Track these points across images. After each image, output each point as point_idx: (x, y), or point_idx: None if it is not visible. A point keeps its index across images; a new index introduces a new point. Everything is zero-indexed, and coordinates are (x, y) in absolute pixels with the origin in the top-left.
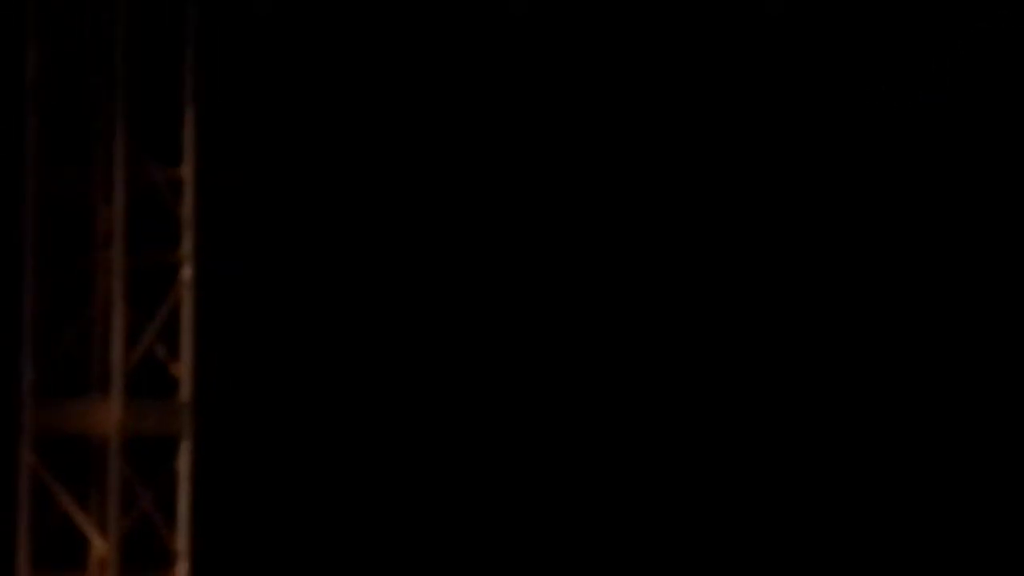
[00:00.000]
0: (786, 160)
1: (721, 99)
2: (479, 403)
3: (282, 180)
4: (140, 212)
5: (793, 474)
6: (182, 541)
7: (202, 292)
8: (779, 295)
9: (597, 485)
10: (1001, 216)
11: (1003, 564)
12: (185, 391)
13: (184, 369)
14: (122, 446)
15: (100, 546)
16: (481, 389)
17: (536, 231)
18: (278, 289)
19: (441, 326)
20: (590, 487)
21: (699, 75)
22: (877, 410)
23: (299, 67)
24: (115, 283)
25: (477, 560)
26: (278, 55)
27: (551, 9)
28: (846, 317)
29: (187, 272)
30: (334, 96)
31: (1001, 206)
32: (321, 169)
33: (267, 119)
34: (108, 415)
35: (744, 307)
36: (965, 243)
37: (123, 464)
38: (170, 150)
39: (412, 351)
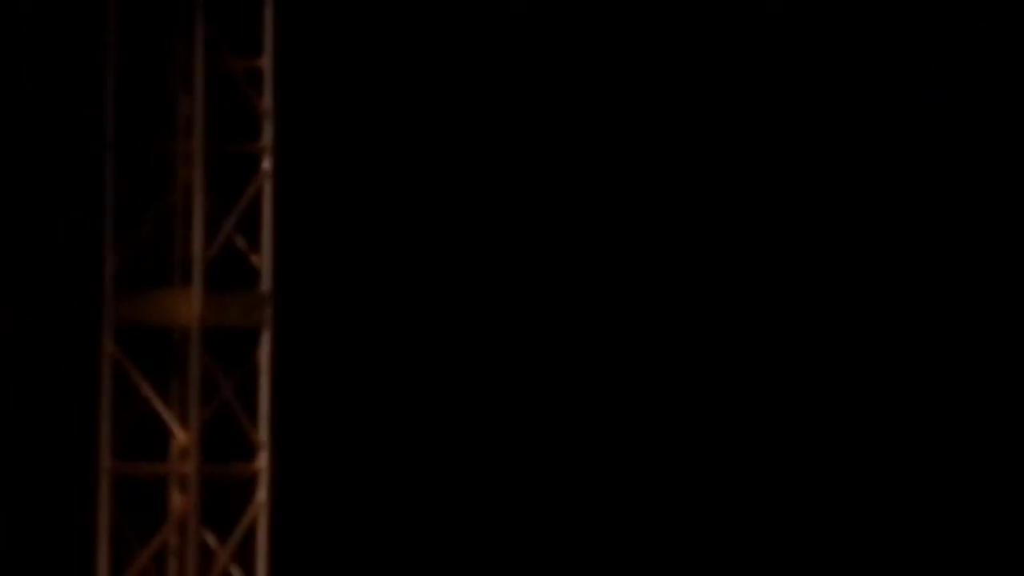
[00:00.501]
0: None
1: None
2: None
3: (363, 70)
4: (220, 102)
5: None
6: (263, 432)
7: (282, 183)
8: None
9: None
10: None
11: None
12: (265, 282)
13: (264, 260)
14: (202, 337)
15: (181, 437)
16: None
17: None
18: (358, 180)
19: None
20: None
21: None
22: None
23: None
24: (195, 173)
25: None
26: None
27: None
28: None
29: (267, 163)
30: None
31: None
32: (402, 59)
33: (348, 10)
34: (189, 306)
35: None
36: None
37: (204, 355)
38: (250, 41)
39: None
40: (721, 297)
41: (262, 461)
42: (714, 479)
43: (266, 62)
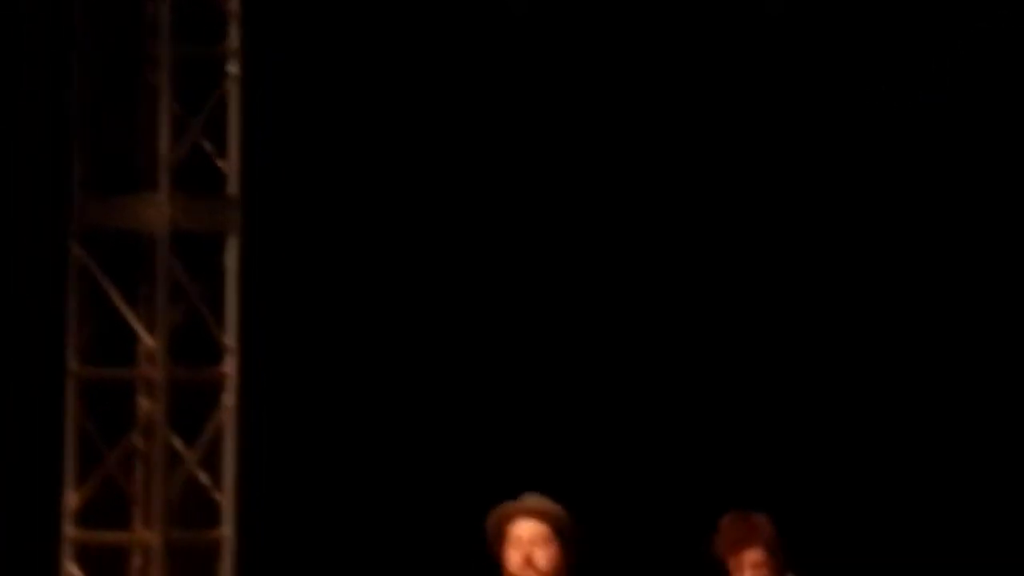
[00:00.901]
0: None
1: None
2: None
3: None
4: (187, 4)
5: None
6: (230, 337)
7: (249, 87)
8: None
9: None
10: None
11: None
12: (232, 186)
13: (231, 164)
14: (170, 241)
15: (148, 341)
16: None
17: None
18: (327, 82)
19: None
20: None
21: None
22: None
23: None
24: (161, 76)
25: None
26: None
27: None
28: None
29: (233, 66)
30: None
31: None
32: None
33: None
34: (156, 210)
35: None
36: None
37: (171, 259)
38: None
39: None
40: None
41: (229, 366)
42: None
43: None
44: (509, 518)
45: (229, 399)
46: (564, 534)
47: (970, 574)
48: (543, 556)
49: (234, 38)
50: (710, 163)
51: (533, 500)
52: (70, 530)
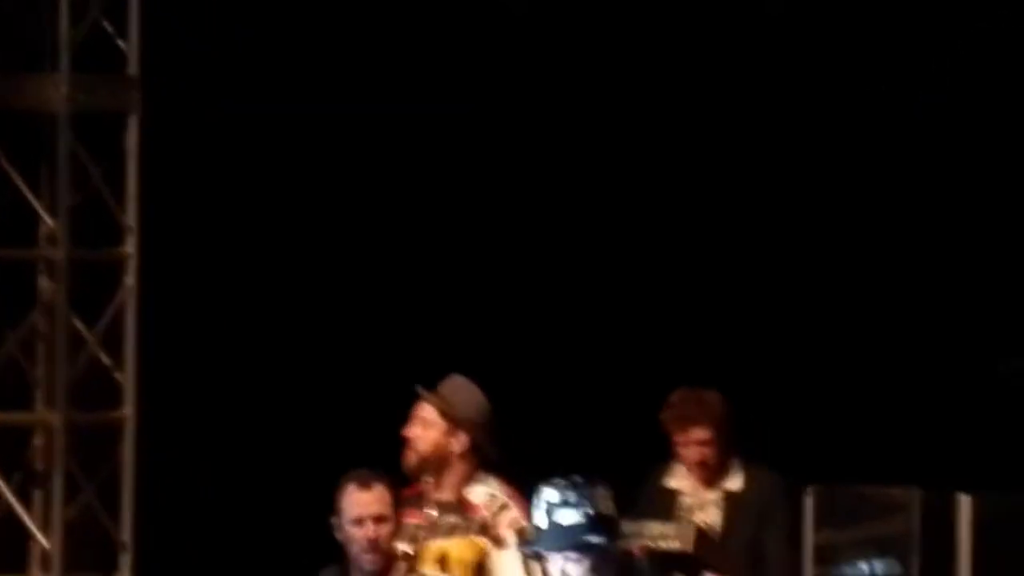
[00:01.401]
0: None
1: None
2: None
3: None
4: None
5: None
6: (131, 217)
7: None
8: None
9: None
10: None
11: None
12: (132, 66)
13: (132, 43)
14: (71, 121)
15: (49, 222)
16: None
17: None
18: None
19: None
20: None
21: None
22: None
23: None
24: None
25: None
26: None
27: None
28: None
29: None
30: None
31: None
32: None
33: None
34: (57, 90)
35: None
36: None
37: (72, 140)
38: None
39: None
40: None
41: (130, 246)
42: None
43: None
44: (418, 399)
45: (130, 280)
46: (455, 419)
47: (917, 459)
48: (423, 438)
49: None
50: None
51: (447, 384)
52: None
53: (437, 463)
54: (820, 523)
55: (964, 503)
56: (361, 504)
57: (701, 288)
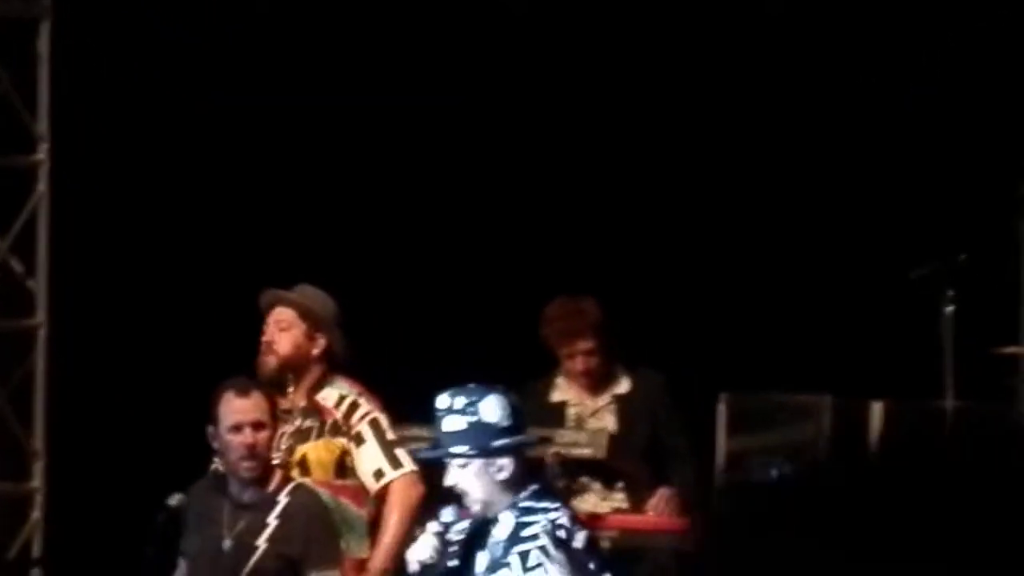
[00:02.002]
0: None
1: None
2: None
3: None
4: None
5: None
6: (42, 124)
7: None
8: None
9: None
10: None
11: None
12: None
13: None
14: None
15: None
16: None
17: None
18: None
19: None
20: None
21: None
22: None
23: None
24: None
25: None
26: None
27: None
28: None
29: None
30: None
31: None
32: None
33: None
34: None
35: None
36: None
37: None
38: None
39: None
40: None
41: (42, 153)
42: None
43: None
44: (270, 305)
45: (42, 186)
46: (315, 321)
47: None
48: (284, 340)
49: None
50: None
51: (299, 290)
52: None
53: (296, 366)
54: (732, 430)
55: (875, 410)
56: (239, 411)
57: (607, 191)
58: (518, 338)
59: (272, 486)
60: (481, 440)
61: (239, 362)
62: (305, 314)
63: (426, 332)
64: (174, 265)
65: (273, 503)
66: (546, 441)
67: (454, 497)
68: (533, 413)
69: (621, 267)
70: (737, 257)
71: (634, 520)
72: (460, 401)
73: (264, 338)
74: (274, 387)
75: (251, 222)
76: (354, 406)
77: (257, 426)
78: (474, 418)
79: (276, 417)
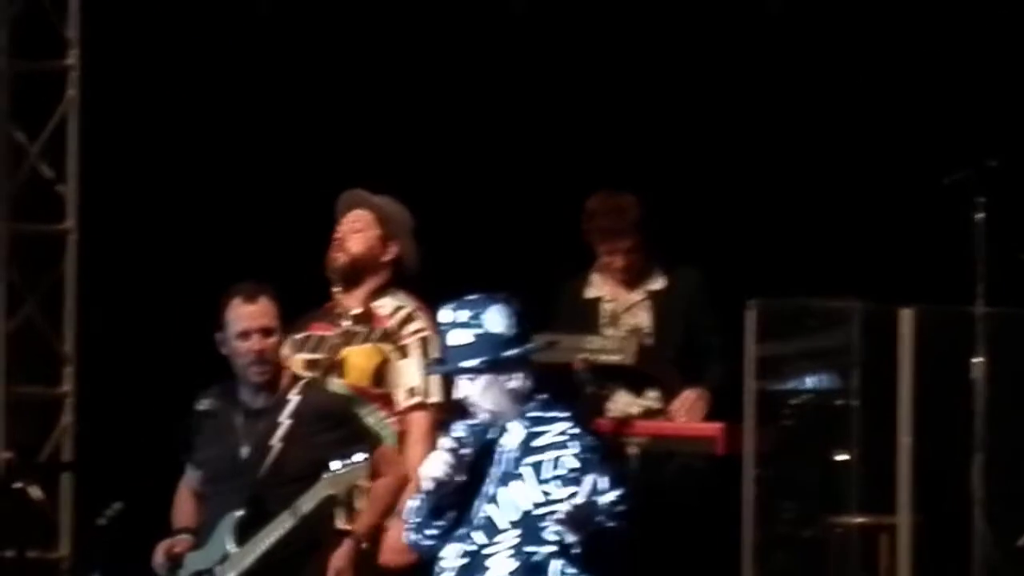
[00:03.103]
0: None
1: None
2: None
3: None
4: None
5: None
6: (72, 31)
7: None
8: None
9: None
10: None
11: None
12: None
13: None
14: None
15: None
16: None
17: None
18: None
19: None
20: None
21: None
22: None
23: None
24: None
25: None
26: None
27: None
28: None
29: None
30: None
31: None
32: None
33: None
34: None
35: None
36: None
37: None
38: None
39: None
40: None
41: (71, 58)
42: None
43: None
44: (348, 206)
45: (72, 92)
46: (391, 228)
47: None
48: (358, 239)
49: None
50: None
51: (379, 198)
52: None
53: (364, 267)
54: (762, 336)
55: (906, 316)
56: (246, 317)
57: (638, 92)
58: (556, 240)
59: (282, 387)
60: (489, 352)
61: (269, 267)
62: (383, 219)
63: (475, 244)
64: (204, 169)
65: (284, 403)
66: (554, 344)
67: (463, 411)
68: (567, 311)
69: (651, 169)
70: (767, 161)
71: (664, 426)
72: (464, 314)
73: (337, 235)
74: (338, 284)
75: (284, 129)
76: (409, 318)
77: (265, 332)
78: (480, 330)
79: (310, 321)
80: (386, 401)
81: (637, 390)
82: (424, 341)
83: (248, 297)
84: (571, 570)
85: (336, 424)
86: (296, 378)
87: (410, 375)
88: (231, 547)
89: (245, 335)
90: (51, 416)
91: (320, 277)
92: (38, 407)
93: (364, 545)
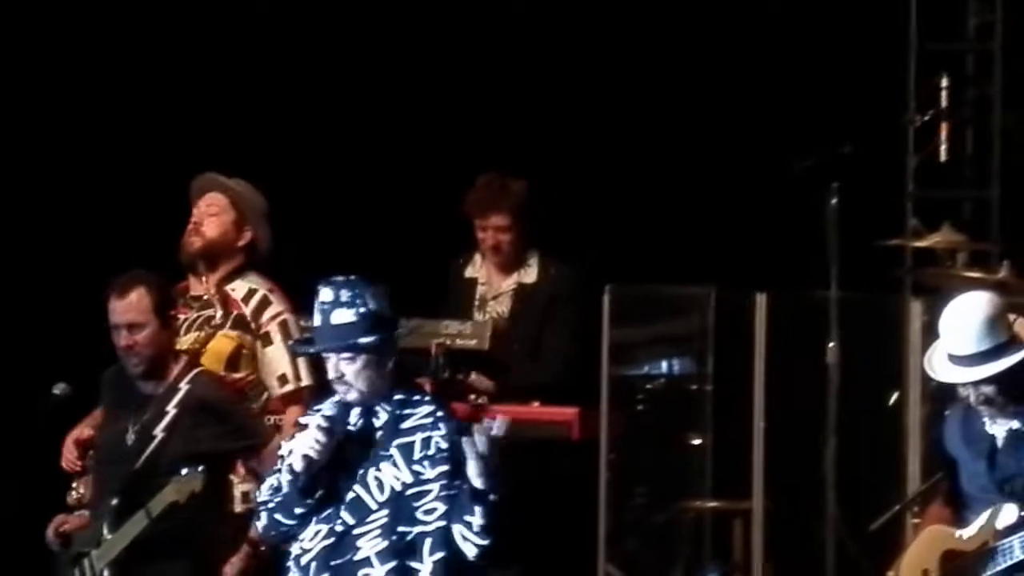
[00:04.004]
0: None
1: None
2: None
3: None
4: None
5: None
6: None
7: None
8: None
9: None
10: None
11: None
12: None
13: None
14: None
15: None
16: None
17: None
18: None
19: None
20: None
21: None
22: None
23: None
24: None
25: None
26: None
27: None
28: None
29: None
30: None
31: None
32: None
33: None
34: None
35: None
36: None
37: None
38: None
39: None
40: None
41: None
42: None
43: None
44: (202, 190)
45: None
46: (246, 211)
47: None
48: (214, 223)
49: None
50: None
51: (233, 182)
52: None
53: (220, 251)
54: (616, 322)
55: (759, 301)
56: (113, 312)
57: (495, 78)
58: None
59: (173, 375)
60: (372, 332)
61: (128, 252)
62: (237, 203)
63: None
64: (70, 150)
65: (175, 392)
66: (417, 330)
67: (330, 390)
68: (452, 287)
69: (514, 156)
70: (621, 148)
71: (520, 411)
72: (346, 293)
73: (193, 219)
74: (192, 268)
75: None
76: (264, 303)
77: (131, 327)
78: (363, 309)
79: (173, 306)
80: (241, 388)
81: (491, 375)
82: (284, 324)
83: (119, 292)
84: (440, 552)
85: (218, 419)
86: (191, 364)
87: (278, 361)
88: (106, 533)
89: (115, 329)
90: None
91: (176, 261)
92: None
93: (263, 548)
